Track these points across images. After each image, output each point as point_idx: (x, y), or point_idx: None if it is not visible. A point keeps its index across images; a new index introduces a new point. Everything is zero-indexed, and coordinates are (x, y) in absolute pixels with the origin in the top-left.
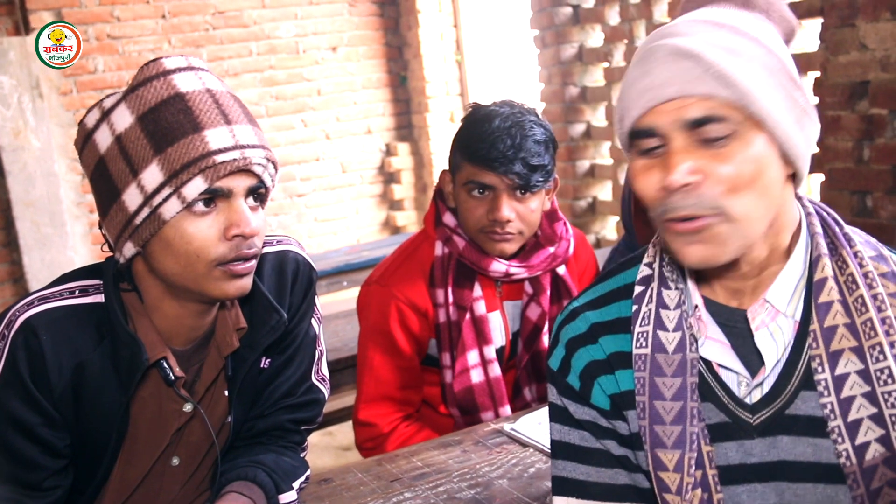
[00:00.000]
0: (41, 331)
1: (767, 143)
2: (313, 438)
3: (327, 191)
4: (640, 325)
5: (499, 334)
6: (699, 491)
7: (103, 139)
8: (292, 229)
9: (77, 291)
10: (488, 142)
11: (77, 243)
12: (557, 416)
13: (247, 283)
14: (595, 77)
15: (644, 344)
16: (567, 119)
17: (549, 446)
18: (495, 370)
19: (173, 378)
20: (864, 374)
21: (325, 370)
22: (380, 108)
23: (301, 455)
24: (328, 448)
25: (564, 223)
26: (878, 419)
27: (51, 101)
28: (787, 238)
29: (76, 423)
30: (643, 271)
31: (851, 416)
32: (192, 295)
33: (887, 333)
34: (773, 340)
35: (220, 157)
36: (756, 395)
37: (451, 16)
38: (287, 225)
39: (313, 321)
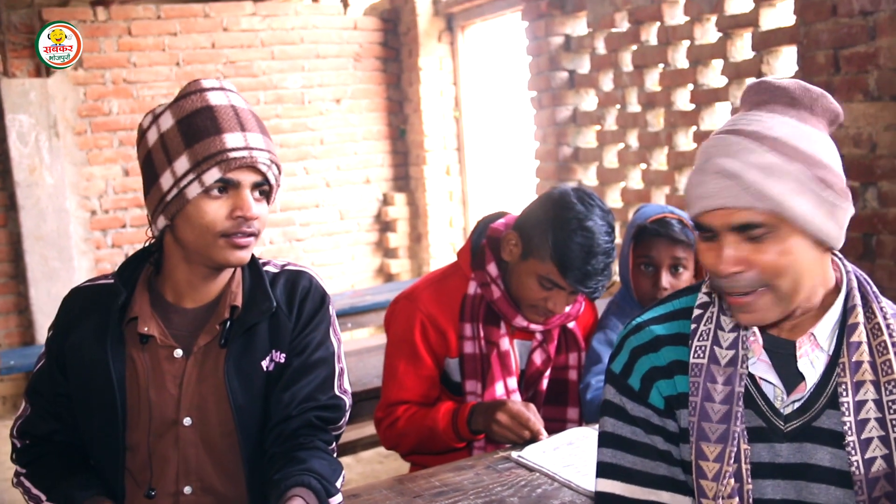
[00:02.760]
0: (70, 299)
1: (800, 237)
2: None
3: (325, 236)
4: (699, 340)
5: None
6: (732, 480)
7: (152, 136)
8: None
9: (111, 276)
10: (582, 268)
11: (83, 278)
12: (613, 412)
13: (245, 255)
14: (588, 139)
15: (702, 355)
16: (560, 177)
17: (599, 438)
18: (517, 398)
19: (146, 331)
20: (878, 403)
21: (347, 385)
22: (379, 159)
23: (333, 456)
24: None
25: None
26: (884, 440)
27: (66, 140)
28: (821, 294)
29: (81, 374)
30: (702, 298)
31: (864, 435)
32: (202, 259)
33: None
34: (812, 367)
35: (232, 154)
36: (789, 409)
37: (451, 74)
38: (299, 264)
39: (332, 339)
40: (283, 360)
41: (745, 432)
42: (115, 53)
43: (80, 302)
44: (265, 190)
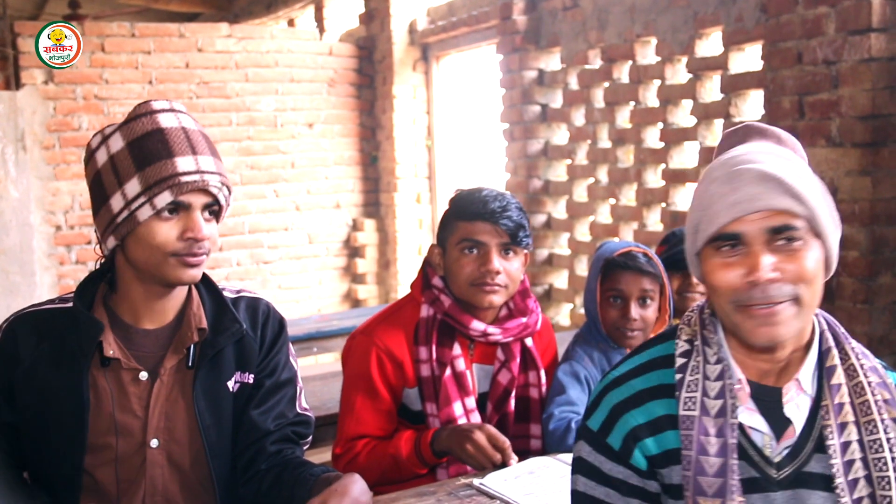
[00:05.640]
0: (17, 325)
1: (821, 251)
2: None
3: (293, 260)
4: (687, 391)
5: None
6: None
7: (101, 157)
8: None
9: (58, 301)
10: (481, 201)
11: (44, 293)
12: (586, 471)
13: (197, 273)
14: (558, 172)
15: (692, 407)
16: (530, 209)
17: (571, 496)
18: (476, 418)
19: (111, 354)
20: (861, 444)
21: (305, 403)
22: (350, 185)
23: None
24: None
25: (535, 300)
26: (868, 479)
27: (33, 154)
28: (809, 331)
29: (36, 401)
30: (682, 346)
31: (851, 476)
32: (153, 278)
33: (879, 413)
34: (798, 410)
35: (184, 178)
36: (779, 456)
37: (424, 103)
38: (252, 290)
39: (292, 360)
40: (250, 381)
41: (740, 484)
42: (88, 69)
43: (29, 329)
44: (215, 210)
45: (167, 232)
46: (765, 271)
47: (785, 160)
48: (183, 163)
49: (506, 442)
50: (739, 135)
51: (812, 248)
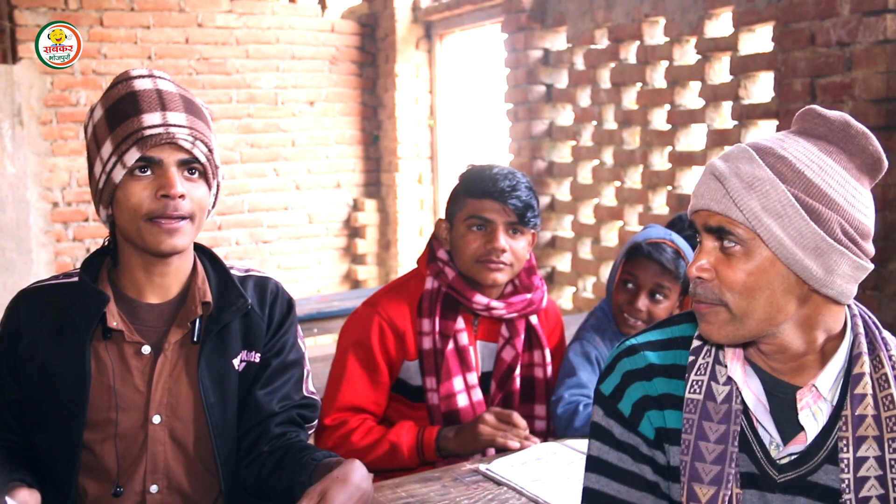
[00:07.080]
0: (21, 302)
1: (776, 264)
2: None
3: (293, 240)
4: (696, 375)
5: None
6: None
7: (89, 130)
8: None
9: (62, 276)
10: (491, 179)
11: (41, 271)
12: (600, 435)
13: (177, 242)
14: (562, 153)
15: (698, 391)
16: None
17: (587, 461)
18: (477, 395)
19: (115, 325)
20: (880, 461)
21: (311, 387)
22: (351, 164)
23: None
24: None
25: (540, 278)
26: (883, 499)
27: (30, 129)
28: (823, 338)
29: (38, 376)
30: None
31: (862, 493)
32: (140, 248)
33: None
34: (815, 420)
35: (148, 132)
36: (785, 459)
37: (427, 82)
38: (261, 270)
39: (300, 342)
40: (256, 360)
41: (739, 476)
42: (86, 44)
43: (32, 304)
44: (198, 169)
45: (141, 191)
46: (694, 269)
47: (758, 161)
48: (149, 118)
49: (518, 418)
50: (797, 119)
51: (753, 259)
